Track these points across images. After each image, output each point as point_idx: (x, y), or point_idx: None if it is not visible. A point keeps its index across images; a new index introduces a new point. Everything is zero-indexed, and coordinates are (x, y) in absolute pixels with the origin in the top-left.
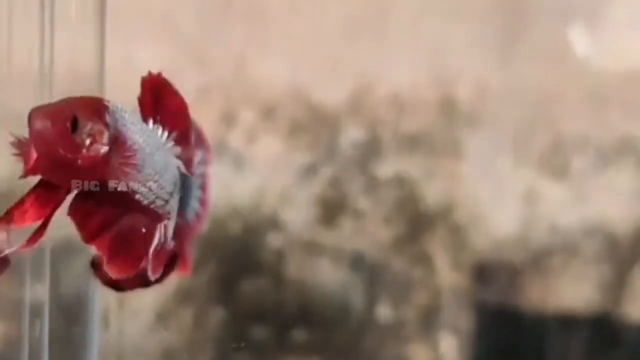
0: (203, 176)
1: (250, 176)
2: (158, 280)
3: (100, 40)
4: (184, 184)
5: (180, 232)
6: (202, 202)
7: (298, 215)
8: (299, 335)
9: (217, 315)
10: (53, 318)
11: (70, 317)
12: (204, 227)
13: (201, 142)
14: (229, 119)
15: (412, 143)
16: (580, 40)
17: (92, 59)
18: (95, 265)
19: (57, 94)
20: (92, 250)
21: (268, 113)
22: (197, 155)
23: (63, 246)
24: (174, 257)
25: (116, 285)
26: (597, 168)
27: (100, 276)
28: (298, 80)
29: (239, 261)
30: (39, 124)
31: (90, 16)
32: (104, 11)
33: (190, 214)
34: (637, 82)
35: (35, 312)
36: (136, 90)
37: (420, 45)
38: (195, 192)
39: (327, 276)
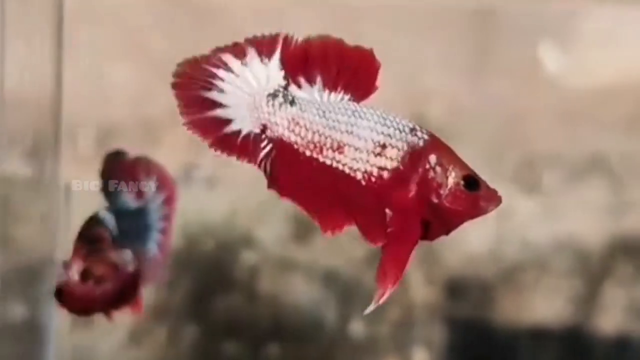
0: (164, 208)
1: (223, 195)
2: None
3: (57, 58)
4: (142, 223)
5: (138, 273)
6: (165, 231)
7: (271, 233)
8: (272, 351)
9: (190, 332)
10: (14, 341)
11: (26, 340)
12: (167, 258)
13: (163, 179)
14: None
15: None
16: (550, 58)
17: (47, 79)
18: (60, 293)
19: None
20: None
21: None
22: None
23: (25, 271)
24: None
25: (80, 312)
26: (569, 184)
27: (65, 303)
28: None
29: (213, 278)
30: None
31: (47, 40)
32: (60, 33)
33: (150, 251)
34: (607, 98)
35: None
36: (109, 107)
37: (391, 63)
38: (157, 224)
39: (301, 292)
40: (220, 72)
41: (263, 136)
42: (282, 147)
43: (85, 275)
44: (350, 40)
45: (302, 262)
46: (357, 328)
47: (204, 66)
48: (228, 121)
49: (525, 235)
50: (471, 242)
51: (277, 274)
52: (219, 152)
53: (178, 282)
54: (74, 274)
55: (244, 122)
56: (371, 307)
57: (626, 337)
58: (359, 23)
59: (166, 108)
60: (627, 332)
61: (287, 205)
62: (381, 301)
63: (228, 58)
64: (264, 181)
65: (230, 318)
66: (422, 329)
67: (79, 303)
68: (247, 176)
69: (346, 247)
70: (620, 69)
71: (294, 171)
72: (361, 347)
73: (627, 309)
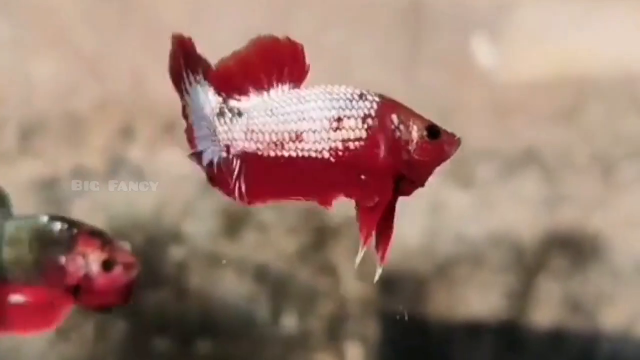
0: None
1: (152, 189)
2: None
3: None
4: None
5: None
6: None
7: (201, 228)
8: (203, 347)
9: (119, 328)
10: None
11: None
12: None
13: None
14: (128, 132)
15: None
16: (483, 52)
17: None
18: (78, 291)
19: None
20: None
21: (168, 126)
22: None
23: None
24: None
25: (99, 308)
26: (502, 178)
27: (85, 302)
28: None
29: (141, 274)
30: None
31: None
32: None
33: None
34: (539, 92)
35: None
36: (33, 103)
37: (323, 57)
38: None
39: (231, 288)
40: (183, 101)
41: (230, 157)
42: (248, 159)
43: (106, 266)
44: (282, 34)
45: (232, 257)
46: (289, 323)
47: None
48: (199, 154)
49: (460, 229)
50: (405, 236)
51: (206, 270)
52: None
53: None
54: (93, 266)
55: (208, 150)
56: (378, 272)
57: (561, 330)
58: (291, 17)
59: (92, 102)
60: (562, 325)
61: (216, 200)
62: (384, 263)
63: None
64: (192, 175)
65: (160, 313)
66: (355, 323)
67: (102, 296)
68: (176, 170)
69: (276, 242)
70: (552, 62)
71: (267, 177)
72: (293, 342)
73: (561, 302)
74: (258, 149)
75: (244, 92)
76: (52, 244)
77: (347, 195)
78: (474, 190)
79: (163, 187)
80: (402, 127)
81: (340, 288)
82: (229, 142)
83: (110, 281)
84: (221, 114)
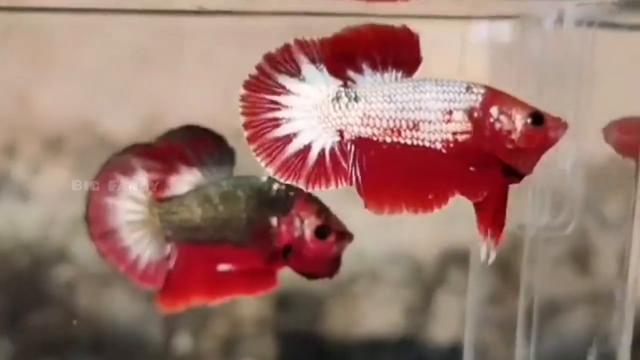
0: None
1: (36, 208)
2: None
3: None
4: None
5: None
6: None
7: (89, 247)
8: None
9: (3, 349)
10: None
11: None
12: None
13: None
14: (11, 150)
15: None
16: None
17: None
18: (288, 253)
19: None
20: None
21: (53, 144)
22: None
23: None
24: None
25: (308, 274)
26: None
27: (294, 265)
28: (85, 110)
29: (27, 295)
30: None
31: None
32: None
33: None
34: None
35: None
36: None
37: (213, 74)
38: None
39: (122, 308)
40: (282, 99)
41: (344, 141)
42: (362, 145)
43: (321, 232)
44: (169, 52)
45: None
46: (182, 343)
47: (264, 96)
48: (307, 149)
49: (358, 245)
50: None
51: (96, 290)
52: (316, 186)
53: None
54: (307, 230)
55: (320, 139)
56: (492, 257)
57: (460, 345)
58: (179, 34)
59: None
60: (461, 340)
61: None
62: (496, 249)
63: (285, 80)
64: (79, 193)
65: (47, 335)
66: (251, 343)
67: (312, 262)
68: (61, 188)
69: None
70: None
71: (382, 163)
72: None
73: (460, 317)
74: (374, 134)
75: (357, 69)
76: (268, 203)
77: (460, 190)
78: None
79: (48, 206)
80: (502, 117)
81: (235, 307)
82: (342, 127)
83: (321, 248)
84: (337, 98)
